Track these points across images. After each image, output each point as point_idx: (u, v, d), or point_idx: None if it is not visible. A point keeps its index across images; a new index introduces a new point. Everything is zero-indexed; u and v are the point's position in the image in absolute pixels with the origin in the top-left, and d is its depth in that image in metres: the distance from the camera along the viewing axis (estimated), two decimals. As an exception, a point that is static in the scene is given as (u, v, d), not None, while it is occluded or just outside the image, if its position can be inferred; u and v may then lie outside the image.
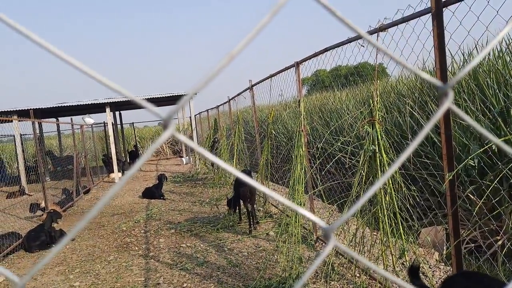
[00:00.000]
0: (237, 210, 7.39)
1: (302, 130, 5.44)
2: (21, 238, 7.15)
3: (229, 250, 5.84)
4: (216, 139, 14.36)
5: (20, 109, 15.07)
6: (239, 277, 4.79)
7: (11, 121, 12.28)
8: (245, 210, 6.92)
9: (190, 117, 17.94)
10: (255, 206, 7.03)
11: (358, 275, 4.46)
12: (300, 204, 5.01)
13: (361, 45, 4.14)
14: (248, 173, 7.52)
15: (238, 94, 10.79)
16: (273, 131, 7.51)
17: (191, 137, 18.87)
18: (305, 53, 5.54)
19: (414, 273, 2.68)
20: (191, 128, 17.55)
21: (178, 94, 17.49)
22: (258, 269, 4.97)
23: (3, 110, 15.02)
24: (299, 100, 5.63)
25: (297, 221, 4.92)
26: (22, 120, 9.45)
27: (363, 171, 3.90)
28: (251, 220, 6.77)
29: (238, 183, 7.25)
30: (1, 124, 11.46)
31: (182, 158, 20.03)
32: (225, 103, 14.01)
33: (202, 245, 6.19)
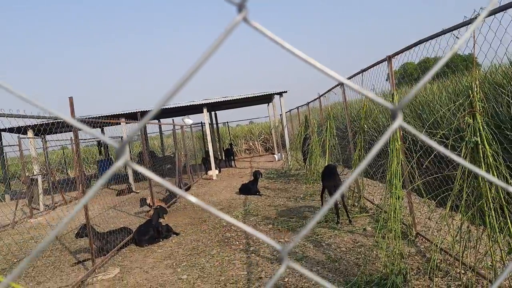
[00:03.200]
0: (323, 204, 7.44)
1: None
2: (131, 233, 7.78)
3: (327, 245, 5.90)
4: (307, 136, 14.40)
5: (128, 112, 16.34)
6: (339, 272, 4.84)
7: (119, 123, 13.38)
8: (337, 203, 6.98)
9: (281, 114, 18.18)
10: (345, 200, 7.09)
11: (463, 271, 4.29)
12: (398, 199, 4.91)
13: (456, 37, 3.96)
14: (333, 167, 7.50)
15: (329, 90, 10.76)
16: (365, 125, 7.40)
17: (282, 135, 19.11)
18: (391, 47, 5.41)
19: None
20: (282, 125, 17.77)
21: (268, 93, 17.82)
22: (358, 264, 4.97)
23: (112, 114, 16.41)
24: (393, 93, 5.51)
25: (396, 216, 4.84)
26: (129, 123, 10.28)
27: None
28: (337, 213, 6.96)
29: (323, 176, 7.29)
30: (110, 127, 12.53)
31: (275, 155, 20.36)
32: (315, 99, 14.01)
33: (299, 241, 6.31)
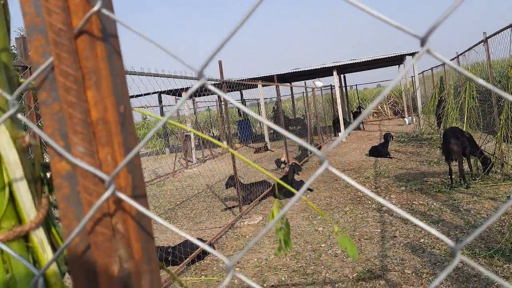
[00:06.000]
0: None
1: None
2: (270, 186, 8.20)
3: (465, 211, 5.55)
4: (443, 98, 13.37)
5: (264, 75, 16.84)
6: (479, 239, 4.55)
7: (257, 86, 13.89)
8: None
9: (413, 76, 17.11)
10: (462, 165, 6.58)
11: None
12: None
13: None
14: (456, 131, 6.89)
15: (469, 49, 9.80)
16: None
17: (413, 98, 18.02)
18: None
19: None
20: (414, 88, 16.74)
21: (399, 54, 16.82)
22: (502, 232, 4.61)
23: (251, 77, 17.08)
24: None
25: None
26: (265, 85, 10.59)
27: None
28: (463, 177, 6.57)
29: (445, 141, 6.75)
30: (248, 90, 13.07)
31: (405, 119, 19.37)
32: (452, 59, 12.88)
33: (435, 204, 6.03)
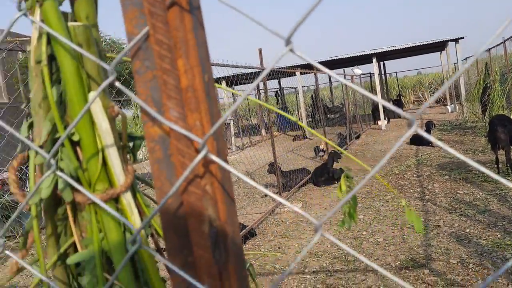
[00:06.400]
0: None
1: None
2: (310, 174, 8.17)
3: (513, 201, 5.35)
4: (488, 85, 12.83)
5: (303, 63, 16.69)
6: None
7: (295, 74, 13.79)
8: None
9: (456, 63, 16.49)
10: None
11: None
12: None
13: None
14: (503, 119, 6.59)
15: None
16: None
17: (456, 85, 17.38)
18: None
19: None
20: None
21: (440, 40, 16.22)
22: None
23: (289, 65, 16.98)
24: None
25: None
26: (304, 73, 10.50)
27: None
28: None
29: (491, 129, 6.47)
30: (286, 78, 13.01)
31: (447, 106, 18.75)
32: (498, 44, 12.33)
33: (480, 194, 5.84)
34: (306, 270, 4.21)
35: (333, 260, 4.36)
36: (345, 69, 16.11)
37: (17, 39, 5.44)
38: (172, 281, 0.52)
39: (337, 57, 17.01)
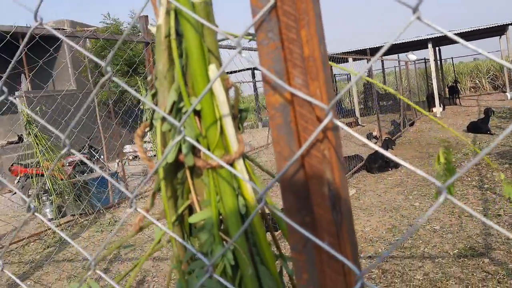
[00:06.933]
0: None
1: None
2: (363, 160, 8.05)
3: None
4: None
5: (355, 49, 16.33)
6: None
7: (347, 60, 13.52)
8: None
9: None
10: None
11: None
12: None
13: None
14: None
15: None
16: None
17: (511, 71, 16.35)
18: None
19: None
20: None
21: (500, 24, 15.27)
22: None
23: (341, 52, 16.67)
24: None
25: None
26: (357, 59, 10.30)
27: None
28: None
29: None
30: (338, 64, 12.80)
31: (507, 93, 17.71)
32: None
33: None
34: (362, 255, 4.19)
35: (388, 246, 4.31)
36: (399, 54, 15.55)
37: (85, 28, 5.71)
38: (290, 239, 0.55)
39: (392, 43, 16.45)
